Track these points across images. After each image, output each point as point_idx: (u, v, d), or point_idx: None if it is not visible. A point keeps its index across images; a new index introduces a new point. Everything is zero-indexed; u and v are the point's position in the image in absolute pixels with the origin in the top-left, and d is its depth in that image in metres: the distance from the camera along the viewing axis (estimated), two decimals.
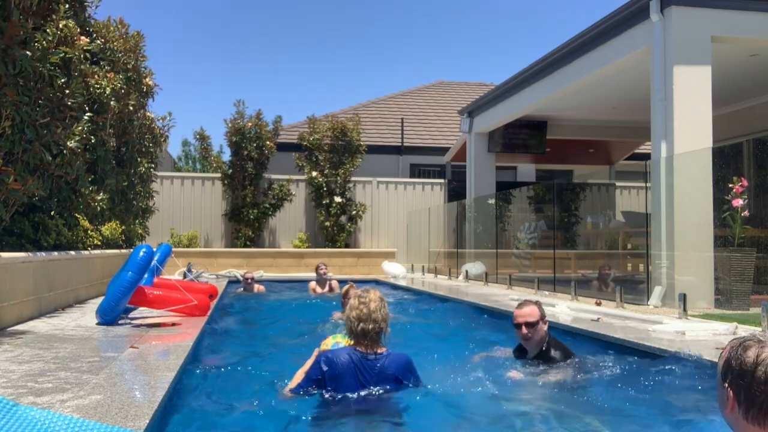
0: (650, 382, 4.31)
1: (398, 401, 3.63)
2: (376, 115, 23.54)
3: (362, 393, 3.59)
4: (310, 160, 18.08)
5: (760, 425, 1.78)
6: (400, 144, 21.74)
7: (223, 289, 10.59)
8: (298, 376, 3.82)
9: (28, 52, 5.91)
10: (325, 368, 3.61)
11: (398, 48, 65.54)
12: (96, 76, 9.17)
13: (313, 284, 11.60)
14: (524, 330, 4.55)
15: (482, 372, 4.51)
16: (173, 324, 5.96)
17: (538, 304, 4.71)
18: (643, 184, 9.31)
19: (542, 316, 4.62)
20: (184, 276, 11.97)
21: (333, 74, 64.60)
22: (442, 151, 20.75)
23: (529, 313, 4.58)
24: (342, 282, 9.60)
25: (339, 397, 3.56)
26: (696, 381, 4.32)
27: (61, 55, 6.80)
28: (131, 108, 10.35)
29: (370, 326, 3.66)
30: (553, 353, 4.55)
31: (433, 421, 3.62)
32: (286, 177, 18.10)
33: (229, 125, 17.48)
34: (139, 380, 3.68)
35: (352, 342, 3.76)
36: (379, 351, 3.71)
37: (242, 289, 11.76)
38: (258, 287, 11.85)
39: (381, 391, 3.62)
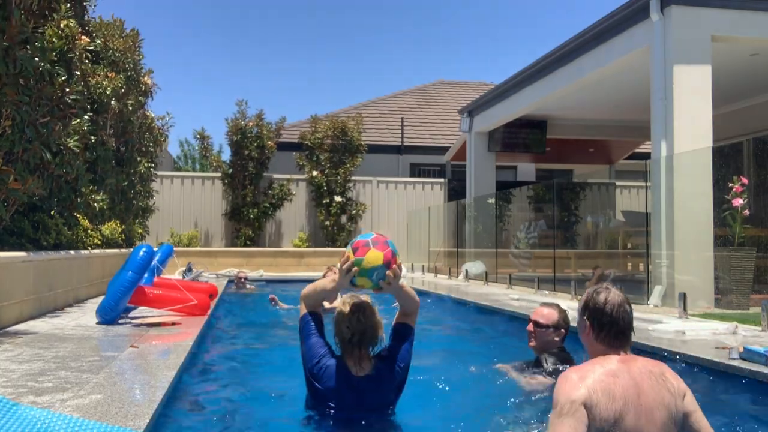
0: None
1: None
2: (376, 115, 23.53)
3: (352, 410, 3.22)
4: (311, 160, 18.08)
5: (604, 344, 2.69)
6: (400, 143, 21.74)
7: (223, 289, 10.63)
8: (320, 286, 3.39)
9: (28, 51, 5.91)
10: (316, 384, 3.28)
11: (398, 48, 65.56)
12: (96, 76, 9.17)
13: None
14: (530, 327, 4.38)
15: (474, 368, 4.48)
16: (173, 323, 5.96)
17: (563, 314, 4.38)
18: (643, 184, 9.31)
19: (557, 326, 4.30)
20: (184, 275, 12.03)
21: (333, 74, 64.64)
22: (442, 150, 20.75)
23: (544, 315, 4.36)
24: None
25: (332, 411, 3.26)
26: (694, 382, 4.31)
27: (60, 46, 6.77)
28: (131, 107, 10.36)
29: (369, 335, 3.27)
30: (547, 362, 4.20)
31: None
32: (287, 176, 18.10)
33: (230, 124, 17.48)
34: (139, 380, 3.68)
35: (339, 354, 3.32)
36: (368, 366, 3.29)
37: (234, 287, 12.24)
38: (249, 286, 12.36)
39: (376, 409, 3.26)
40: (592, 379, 2.52)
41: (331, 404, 3.27)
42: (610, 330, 2.69)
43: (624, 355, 2.69)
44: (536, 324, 4.35)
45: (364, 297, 3.47)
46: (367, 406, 3.25)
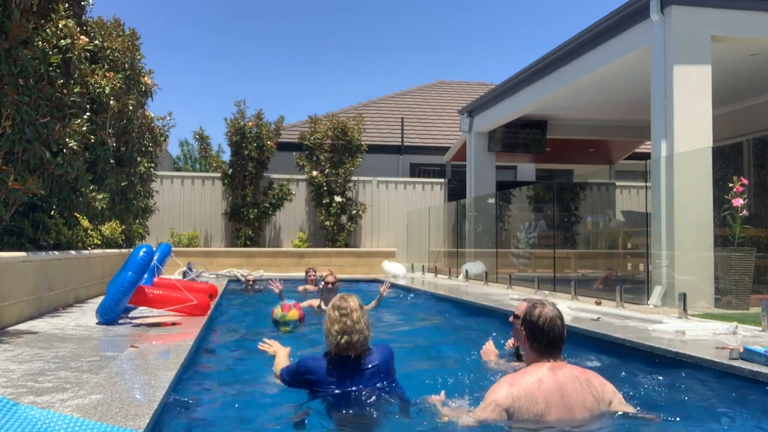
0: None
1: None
2: (376, 115, 23.53)
3: (353, 393, 3.46)
4: (311, 160, 18.08)
5: (536, 353, 3.12)
6: (400, 143, 21.74)
7: (224, 289, 10.61)
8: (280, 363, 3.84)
9: (28, 52, 5.91)
10: (308, 377, 3.53)
11: (398, 48, 65.55)
12: (95, 76, 9.17)
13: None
14: (511, 318, 4.57)
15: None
16: (173, 323, 5.96)
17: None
18: (643, 184, 9.31)
19: None
20: (185, 275, 12.02)
21: (333, 74, 64.62)
22: (442, 150, 20.74)
23: (519, 308, 4.52)
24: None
25: (336, 394, 3.46)
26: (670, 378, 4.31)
27: (62, 47, 6.77)
28: (130, 107, 10.35)
29: (356, 338, 3.47)
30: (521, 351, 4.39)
31: None
32: (287, 176, 18.10)
33: (230, 125, 17.48)
34: (139, 380, 3.68)
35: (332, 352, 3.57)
36: (364, 353, 3.54)
37: (243, 288, 12.22)
38: (258, 288, 12.28)
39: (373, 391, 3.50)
40: (519, 387, 2.96)
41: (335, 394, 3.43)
42: (542, 341, 3.11)
43: (554, 363, 3.08)
44: (516, 317, 4.52)
45: (353, 298, 3.63)
46: (368, 389, 3.44)
